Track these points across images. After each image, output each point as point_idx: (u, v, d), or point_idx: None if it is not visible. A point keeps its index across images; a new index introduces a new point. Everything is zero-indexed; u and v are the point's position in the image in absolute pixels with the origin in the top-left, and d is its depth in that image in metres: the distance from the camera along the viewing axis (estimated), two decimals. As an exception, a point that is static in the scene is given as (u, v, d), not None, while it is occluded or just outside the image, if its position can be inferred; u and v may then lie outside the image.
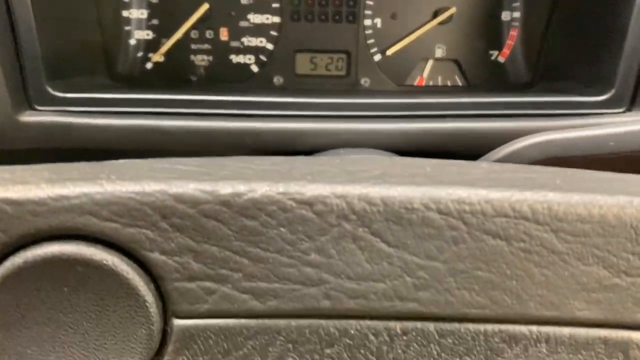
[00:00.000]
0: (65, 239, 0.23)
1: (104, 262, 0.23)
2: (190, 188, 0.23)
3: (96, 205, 0.23)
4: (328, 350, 0.25)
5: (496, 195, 0.24)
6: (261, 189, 0.24)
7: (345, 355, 0.25)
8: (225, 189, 0.23)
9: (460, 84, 0.65)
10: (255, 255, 0.24)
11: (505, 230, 0.24)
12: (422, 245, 0.24)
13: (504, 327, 0.25)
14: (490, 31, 0.63)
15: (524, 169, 0.28)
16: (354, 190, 0.24)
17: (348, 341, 0.25)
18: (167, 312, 0.24)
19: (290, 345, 0.25)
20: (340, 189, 0.24)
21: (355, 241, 0.24)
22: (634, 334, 0.25)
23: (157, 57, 0.60)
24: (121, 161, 0.26)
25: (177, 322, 0.24)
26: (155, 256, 0.23)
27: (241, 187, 0.23)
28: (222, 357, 0.25)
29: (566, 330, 0.25)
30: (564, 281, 0.25)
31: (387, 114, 0.55)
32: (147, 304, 0.23)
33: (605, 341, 0.25)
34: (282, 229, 0.24)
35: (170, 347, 0.24)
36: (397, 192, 0.24)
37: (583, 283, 0.25)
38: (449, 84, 0.65)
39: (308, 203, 0.24)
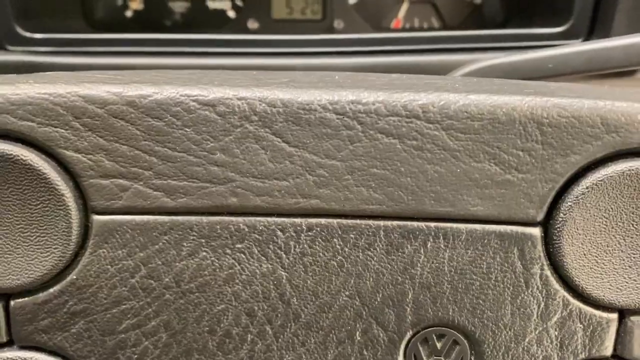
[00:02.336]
0: None
1: (23, 158, 0.25)
2: (99, 90, 0.25)
3: (12, 105, 0.24)
4: (239, 245, 0.27)
5: (389, 96, 0.25)
6: (165, 92, 0.25)
7: (255, 250, 0.27)
8: (131, 91, 0.25)
9: (436, 26, 0.65)
10: (163, 154, 0.25)
11: (398, 129, 0.25)
12: (321, 144, 0.26)
13: (402, 223, 0.26)
14: (464, -29, 0.63)
15: (430, 78, 0.29)
16: (255, 93, 0.25)
17: (257, 237, 0.27)
18: (87, 209, 0.26)
19: (202, 240, 0.26)
20: (242, 92, 0.25)
21: (258, 141, 0.25)
22: (527, 229, 0.26)
23: (136, 4, 0.61)
24: (50, 72, 0.28)
25: (96, 218, 0.26)
26: (71, 153, 0.25)
27: (146, 90, 0.25)
28: (140, 250, 0.26)
29: (462, 226, 0.26)
30: (457, 177, 0.26)
31: (362, 49, 0.56)
32: (66, 199, 0.25)
33: (500, 236, 0.26)
34: (187, 130, 0.25)
35: (91, 241, 0.26)
36: (296, 95, 0.25)
37: (475, 179, 0.26)
38: (425, 26, 0.65)
39: (211, 104, 0.25)
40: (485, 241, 0.26)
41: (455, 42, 0.56)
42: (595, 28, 0.48)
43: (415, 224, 0.26)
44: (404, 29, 0.65)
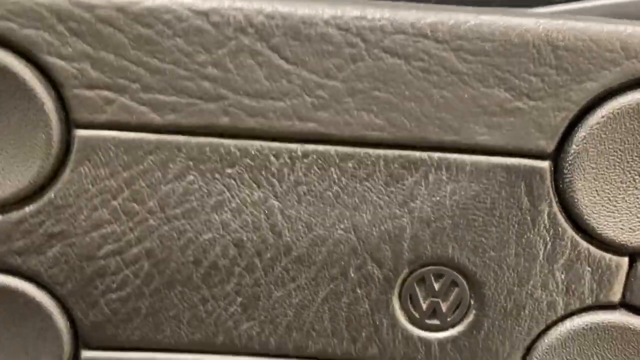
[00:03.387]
0: None
1: (1, 62, 0.23)
2: None
3: None
4: (229, 170, 0.25)
5: (396, 13, 0.24)
6: None
7: (247, 176, 0.25)
8: None
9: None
10: (152, 65, 0.24)
11: (404, 48, 0.24)
12: (321, 62, 0.24)
13: (403, 152, 0.25)
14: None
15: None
16: (253, 4, 0.24)
17: (249, 162, 0.25)
18: (69, 122, 0.24)
19: (190, 163, 0.25)
20: (239, 2, 0.24)
21: (253, 56, 0.24)
22: (536, 162, 0.25)
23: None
24: None
25: (79, 132, 0.24)
26: (54, 60, 0.23)
27: None
28: (123, 170, 0.25)
29: (467, 158, 0.25)
30: (464, 104, 0.24)
31: None
32: (46, 108, 0.23)
33: (507, 169, 0.25)
34: (178, 39, 0.23)
35: (72, 157, 0.24)
36: (297, 7, 0.24)
37: (484, 106, 0.24)
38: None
39: (204, 13, 0.23)
40: (491, 174, 0.25)
41: None
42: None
43: (417, 153, 0.25)
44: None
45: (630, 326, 0.26)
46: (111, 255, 0.25)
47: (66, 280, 0.25)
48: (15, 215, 0.25)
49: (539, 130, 0.24)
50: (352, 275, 0.26)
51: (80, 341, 0.26)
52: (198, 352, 0.26)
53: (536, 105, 0.24)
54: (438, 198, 0.25)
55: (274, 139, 0.25)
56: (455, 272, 0.26)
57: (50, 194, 0.24)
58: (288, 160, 0.25)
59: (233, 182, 0.25)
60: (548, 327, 0.26)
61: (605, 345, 0.26)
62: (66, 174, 0.24)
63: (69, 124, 0.24)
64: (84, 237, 0.25)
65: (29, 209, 0.25)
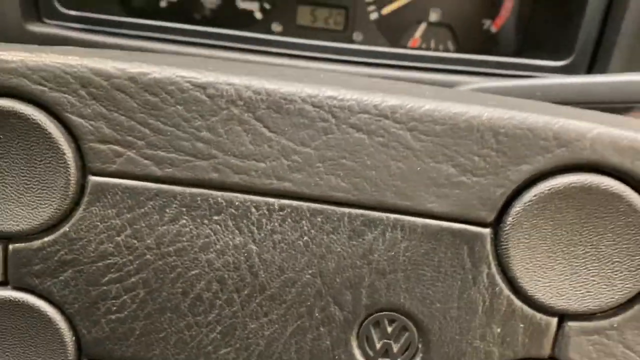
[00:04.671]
0: (3, 96, 0.27)
1: (33, 117, 0.27)
2: (106, 64, 0.27)
3: (29, 70, 0.27)
4: (216, 217, 0.29)
5: (363, 95, 0.27)
6: (164, 72, 0.28)
7: (230, 223, 0.29)
8: (134, 68, 0.27)
9: (451, 48, 0.67)
10: (156, 127, 0.28)
11: (367, 126, 0.27)
12: (298, 132, 0.28)
13: (364, 212, 0.28)
14: (485, 0, 0.65)
15: (410, 85, 0.31)
16: (243, 80, 0.28)
17: (233, 211, 0.29)
18: (85, 169, 0.29)
19: (184, 209, 0.29)
20: (232, 79, 0.28)
21: (241, 124, 0.28)
22: (478, 229, 0.28)
23: (171, -5, 0.64)
24: (68, 47, 0.31)
25: (92, 178, 0.29)
26: (75, 118, 0.28)
27: (147, 68, 0.27)
28: (127, 212, 0.29)
29: (419, 220, 0.28)
30: (417, 175, 0.28)
31: (378, 62, 0.58)
32: (67, 158, 0.28)
33: (452, 233, 0.28)
34: (179, 107, 0.28)
35: (86, 199, 0.29)
36: (280, 85, 0.28)
37: (433, 178, 0.28)
38: (440, 48, 0.67)
39: (202, 86, 0.28)
40: (439, 236, 0.28)
41: (466, 64, 0.58)
42: (594, 65, 0.49)
43: (376, 214, 0.28)
44: (420, 48, 0.67)
45: None
46: (113, 282, 0.29)
47: (74, 301, 0.30)
48: (35, 244, 0.29)
49: (480, 202, 0.27)
50: (317, 314, 0.29)
51: (83, 354, 0.30)
52: None
53: (478, 181, 0.27)
54: (393, 253, 0.28)
55: (255, 194, 0.29)
56: (405, 319, 0.29)
57: (66, 228, 0.29)
58: (266, 212, 0.29)
59: (219, 227, 0.29)
60: (486, 374, 0.29)
61: None
62: (79, 212, 0.29)
63: (85, 171, 0.29)
64: (91, 265, 0.29)
65: (47, 239, 0.29)
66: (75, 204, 0.29)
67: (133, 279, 0.29)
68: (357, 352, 0.30)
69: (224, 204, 0.29)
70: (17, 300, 0.29)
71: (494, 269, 0.28)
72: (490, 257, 0.28)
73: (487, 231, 0.28)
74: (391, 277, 0.29)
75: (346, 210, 0.28)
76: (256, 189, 0.28)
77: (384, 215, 0.28)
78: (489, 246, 0.28)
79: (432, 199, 0.28)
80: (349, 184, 0.28)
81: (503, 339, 0.29)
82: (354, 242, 0.29)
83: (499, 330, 0.29)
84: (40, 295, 0.30)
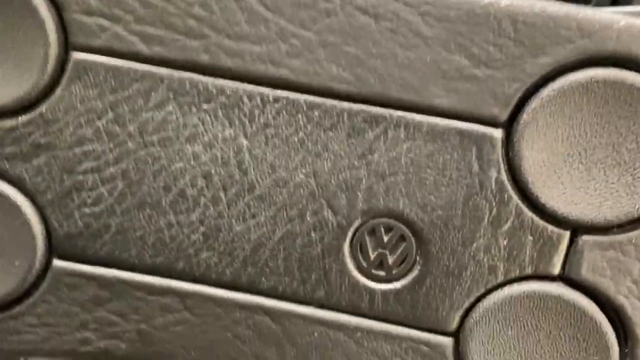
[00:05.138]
0: None
1: None
2: None
3: None
4: (205, 106, 0.27)
5: None
6: None
7: (220, 113, 0.27)
8: None
9: None
10: (145, 0, 0.26)
11: (375, 8, 0.25)
12: (298, 13, 0.25)
13: (366, 107, 0.26)
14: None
15: None
16: None
17: (224, 100, 0.26)
18: (67, 44, 0.26)
19: (170, 94, 0.26)
20: None
21: (237, 1, 0.25)
22: (489, 129, 0.26)
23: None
24: None
25: (74, 54, 0.26)
26: None
27: None
28: (110, 93, 0.26)
29: (424, 119, 0.26)
30: (426, 66, 0.25)
31: None
32: (47, 28, 0.26)
33: (460, 133, 0.26)
34: None
35: (66, 76, 0.26)
36: None
37: (443, 70, 0.25)
38: None
39: None
40: (445, 136, 0.26)
41: None
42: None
43: (379, 110, 0.26)
44: None
45: (566, 299, 0.26)
46: (89, 171, 0.27)
47: (47, 189, 0.27)
48: (8, 123, 0.27)
49: (493, 98, 0.25)
50: (308, 218, 0.27)
51: (53, 250, 0.28)
52: (159, 275, 0.28)
53: (493, 75, 0.25)
54: (394, 154, 0.26)
55: (248, 81, 0.26)
56: (404, 227, 0.27)
57: (42, 108, 0.26)
58: (259, 103, 0.26)
59: (207, 117, 0.27)
60: (488, 291, 0.27)
61: (541, 315, 0.27)
62: (58, 91, 0.26)
63: (66, 45, 0.26)
64: (67, 151, 0.27)
65: (21, 119, 0.27)
66: (54, 82, 0.26)
67: (112, 169, 0.27)
68: (349, 262, 0.27)
69: (214, 91, 0.26)
70: (-16, 184, 0.27)
71: (503, 174, 0.26)
72: (501, 161, 0.26)
73: (498, 131, 0.25)
74: (391, 180, 0.26)
75: (346, 104, 0.26)
76: (250, 76, 0.26)
77: (387, 111, 0.26)
78: (499, 148, 0.26)
79: (441, 93, 0.25)
80: (351, 75, 0.26)
81: (509, 253, 0.26)
82: (353, 140, 0.26)
83: (505, 242, 0.26)
84: (10, 181, 0.27)
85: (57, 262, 0.28)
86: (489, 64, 0.25)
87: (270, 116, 0.26)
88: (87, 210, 0.27)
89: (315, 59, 0.26)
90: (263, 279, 0.28)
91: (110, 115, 0.27)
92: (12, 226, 0.27)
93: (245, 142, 0.27)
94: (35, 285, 0.28)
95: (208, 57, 0.26)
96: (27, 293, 0.28)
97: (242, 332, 0.28)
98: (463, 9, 0.25)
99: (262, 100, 0.26)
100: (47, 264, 0.28)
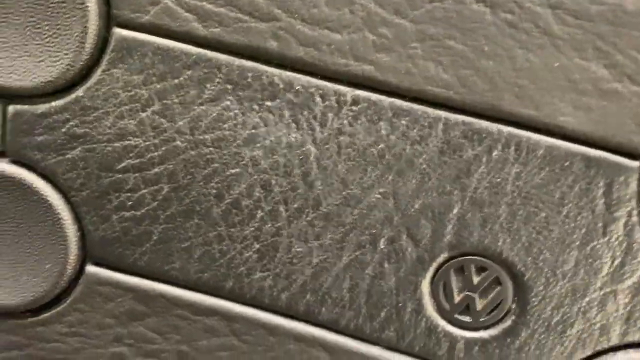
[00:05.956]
0: None
1: None
2: None
3: None
4: (269, 103, 0.22)
5: None
6: None
7: (287, 113, 0.22)
8: None
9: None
10: None
11: None
12: (392, -3, 0.20)
13: (468, 119, 0.21)
14: None
15: None
16: None
17: (292, 97, 0.21)
18: (109, 18, 0.22)
19: (228, 86, 0.22)
20: None
21: (318, -23, 0.20)
22: (625, 160, 0.20)
23: None
24: None
25: (117, 31, 0.22)
26: None
27: None
28: (157, 81, 0.22)
29: (542, 138, 0.20)
30: (552, 74, 0.19)
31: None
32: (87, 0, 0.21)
33: (587, 161, 0.20)
34: None
35: (107, 57, 0.22)
36: None
37: (575, 81, 0.19)
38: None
39: None
40: (566, 164, 0.20)
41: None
42: None
43: (484, 123, 0.20)
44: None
45: None
46: (131, 170, 0.23)
47: (82, 187, 0.23)
48: (40, 107, 0.22)
49: (636, 122, 0.19)
50: (382, 246, 0.22)
51: (87, 255, 0.24)
52: (204, 292, 0.24)
53: (638, 92, 0.19)
54: (498, 179, 0.21)
55: (323, 77, 0.21)
56: (500, 269, 0.22)
57: (79, 92, 0.22)
58: (335, 104, 0.21)
59: (271, 116, 0.22)
60: (595, 355, 0.22)
61: None
62: (97, 74, 0.22)
63: (109, 19, 0.22)
64: (106, 145, 0.23)
65: (55, 103, 0.22)
66: (94, 62, 0.22)
67: (156, 169, 0.23)
68: (427, 302, 0.22)
69: (282, 86, 0.21)
70: (13, 177, 0.23)
71: (636, 218, 0.20)
72: (634, 201, 0.20)
73: (636, 164, 0.20)
74: (490, 212, 0.21)
75: (443, 113, 0.21)
76: (326, 71, 0.21)
77: (494, 126, 0.20)
78: (635, 185, 0.20)
79: (568, 110, 0.20)
80: (454, 77, 0.20)
81: (630, 314, 0.21)
82: (446, 158, 0.21)
83: (626, 300, 0.21)
84: (42, 175, 0.23)
85: (91, 268, 0.24)
86: (635, 78, 0.19)
87: (346, 121, 0.21)
88: (126, 213, 0.23)
89: (408, 55, 0.20)
90: (323, 309, 0.23)
91: (157, 106, 0.22)
92: (42, 224, 0.24)
93: (313, 150, 0.22)
94: (66, 291, 0.24)
95: (277, 44, 0.21)
96: (57, 299, 0.24)
97: None
98: (608, 4, 0.19)
99: (338, 100, 0.21)
100: (80, 270, 0.24)
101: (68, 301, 0.24)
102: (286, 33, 0.21)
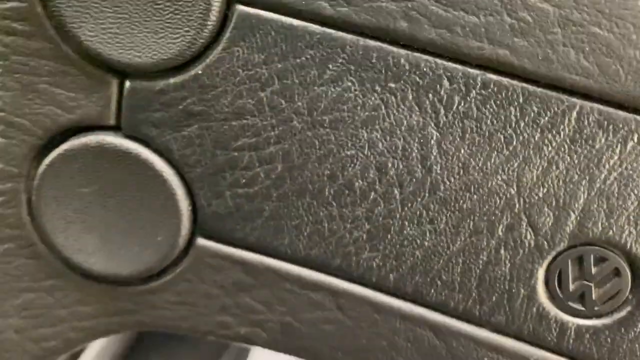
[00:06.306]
0: None
1: None
2: None
3: None
4: (392, 85, 0.21)
5: None
6: None
7: (410, 96, 0.21)
8: None
9: None
10: None
11: None
12: (536, -22, 0.19)
13: (604, 108, 0.20)
14: None
15: None
16: None
17: (417, 79, 0.21)
18: None
19: (351, 67, 0.21)
20: None
21: (457, -45, 0.19)
22: None
23: None
24: None
25: (240, 8, 0.21)
26: None
27: None
28: (279, 60, 0.21)
29: None
30: None
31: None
32: None
33: None
34: None
35: (228, 34, 0.21)
36: None
37: None
38: None
39: None
40: None
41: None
42: None
43: (621, 113, 0.20)
44: None
45: None
46: (247, 148, 0.23)
47: (196, 163, 0.23)
48: (159, 84, 0.22)
49: None
50: (500, 233, 0.22)
51: (198, 229, 0.24)
52: (312, 268, 0.24)
53: None
54: (630, 171, 0.20)
55: (453, 59, 0.20)
56: (622, 261, 0.21)
57: (198, 70, 0.22)
58: (463, 87, 0.21)
59: (392, 98, 0.21)
60: None
61: None
62: (217, 52, 0.21)
63: None
64: (222, 123, 0.22)
65: (173, 80, 0.22)
66: (213, 39, 0.21)
67: (272, 149, 0.23)
68: (541, 289, 0.22)
69: (407, 67, 0.21)
70: (128, 151, 0.23)
71: None
72: None
73: None
74: (618, 203, 0.20)
75: (578, 101, 0.20)
76: (456, 53, 0.20)
77: (632, 116, 0.20)
78: None
79: None
80: (595, 65, 0.19)
81: None
82: (577, 147, 0.20)
83: None
84: (157, 151, 0.23)
85: (201, 241, 0.24)
86: None
87: (473, 105, 0.21)
88: (239, 190, 0.23)
89: (548, 41, 0.19)
90: (432, 290, 0.23)
91: (277, 86, 0.22)
92: (156, 199, 0.24)
93: (435, 133, 0.21)
94: (175, 262, 0.25)
95: (407, 24, 0.20)
96: (166, 269, 0.25)
97: (400, 343, 0.24)
98: None
99: (466, 84, 0.20)
100: (189, 242, 0.24)
101: (177, 271, 0.25)
102: (418, 14, 0.20)
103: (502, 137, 0.21)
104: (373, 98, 0.21)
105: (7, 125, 0.23)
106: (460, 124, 0.21)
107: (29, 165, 0.24)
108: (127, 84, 0.22)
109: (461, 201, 0.22)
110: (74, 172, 0.23)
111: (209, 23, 0.21)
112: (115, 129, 0.23)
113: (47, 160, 0.23)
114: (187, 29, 0.21)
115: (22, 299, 0.26)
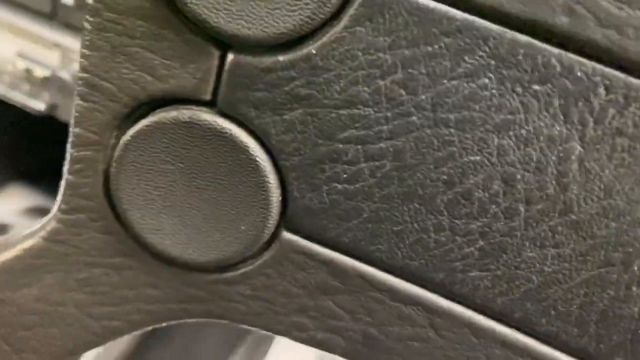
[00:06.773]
0: None
1: None
2: None
3: None
4: (537, 87, 0.18)
5: None
6: None
7: (557, 102, 0.18)
8: None
9: None
10: None
11: None
12: None
13: None
14: None
15: None
16: None
17: (568, 84, 0.18)
18: None
19: (492, 62, 0.18)
20: None
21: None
22: None
23: None
24: None
25: None
26: None
27: None
28: (407, 45, 0.18)
29: None
30: None
31: None
32: None
33: None
34: None
35: (351, 11, 0.18)
36: None
37: None
38: None
39: None
40: None
41: None
42: None
43: None
44: None
45: None
46: (353, 141, 0.20)
47: (295, 151, 0.21)
48: (265, 61, 0.20)
49: None
50: (636, 268, 0.19)
51: (285, 221, 0.22)
52: (409, 280, 0.22)
53: None
54: None
55: (615, 65, 0.17)
56: None
57: (310, 49, 0.19)
58: (621, 99, 0.17)
59: (535, 103, 0.18)
60: None
61: None
62: (337, 30, 0.19)
63: None
64: (330, 111, 0.20)
65: (282, 58, 0.19)
66: (335, 16, 0.19)
67: (382, 144, 0.20)
68: (675, 335, 0.19)
69: (559, 69, 0.18)
70: (223, 131, 0.21)
71: None
72: None
73: None
74: None
75: None
76: (622, 59, 0.17)
77: None
78: None
79: None
80: None
81: None
82: None
83: None
84: (253, 133, 0.21)
85: (287, 235, 0.22)
86: None
87: (630, 121, 0.18)
88: (338, 186, 0.21)
89: None
90: (543, 320, 0.21)
91: (400, 74, 0.19)
92: (245, 185, 0.21)
93: (578, 148, 0.18)
94: (256, 254, 0.23)
95: (568, 20, 0.17)
96: (244, 260, 0.23)
97: None
98: None
99: (626, 96, 0.17)
100: (274, 234, 0.22)
101: (256, 264, 0.23)
102: (584, 9, 0.17)
103: (659, 161, 0.18)
104: (512, 100, 0.18)
105: (90, 87, 0.21)
106: (610, 141, 0.18)
107: (110, 134, 0.22)
108: (230, 57, 0.20)
109: (595, 227, 0.19)
110: (160, 147, 0.21)
111: None
112: (210, 104, 0.21)
113: (132, 131, 0.21)
114: (307, 1, 0.18)
115: (87, 273, 0.24)
